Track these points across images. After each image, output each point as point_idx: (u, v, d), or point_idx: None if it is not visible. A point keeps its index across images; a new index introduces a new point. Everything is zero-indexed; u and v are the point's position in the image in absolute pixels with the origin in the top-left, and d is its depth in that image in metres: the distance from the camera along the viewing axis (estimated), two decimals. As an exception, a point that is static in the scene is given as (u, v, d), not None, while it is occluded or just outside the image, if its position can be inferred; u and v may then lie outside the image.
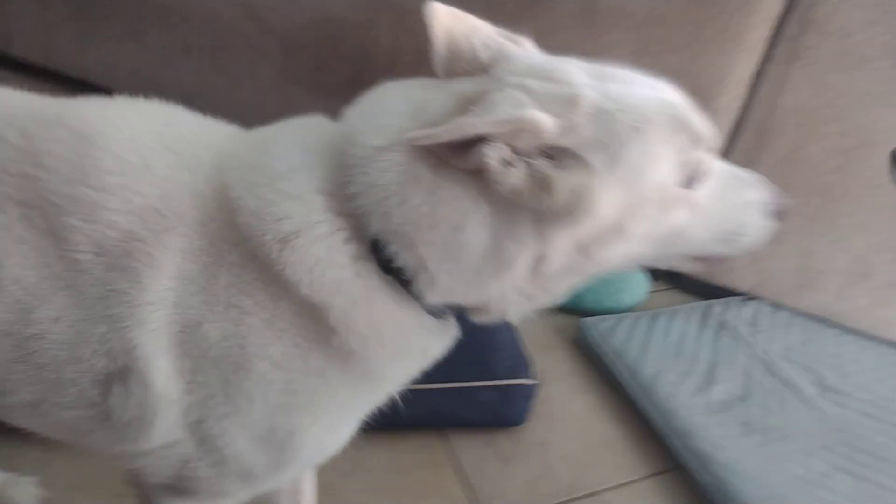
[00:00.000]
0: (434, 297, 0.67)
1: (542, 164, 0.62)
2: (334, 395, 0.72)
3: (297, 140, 0.71)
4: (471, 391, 1.41)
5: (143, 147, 0.69)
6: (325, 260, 0.64)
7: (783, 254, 1.82)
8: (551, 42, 1.81)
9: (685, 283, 1.99)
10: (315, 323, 0.66)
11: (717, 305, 1.87)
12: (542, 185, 0.61)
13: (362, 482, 1.30)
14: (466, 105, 0.63)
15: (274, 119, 0.77)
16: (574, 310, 1.81)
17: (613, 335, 1.69)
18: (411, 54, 1.79)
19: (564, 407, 1.56)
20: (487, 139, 0.59)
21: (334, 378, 0.71)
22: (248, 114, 0.88)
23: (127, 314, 0.65)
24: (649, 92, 0.68)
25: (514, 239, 0.64)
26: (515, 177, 0.61)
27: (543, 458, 1.43)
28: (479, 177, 0.61)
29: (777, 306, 1.89)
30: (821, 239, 1.76)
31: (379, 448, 1.36)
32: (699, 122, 0.70)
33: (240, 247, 0.66)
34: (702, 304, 1.87)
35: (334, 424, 0.76)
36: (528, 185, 0.61)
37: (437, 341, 0.76)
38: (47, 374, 0.68)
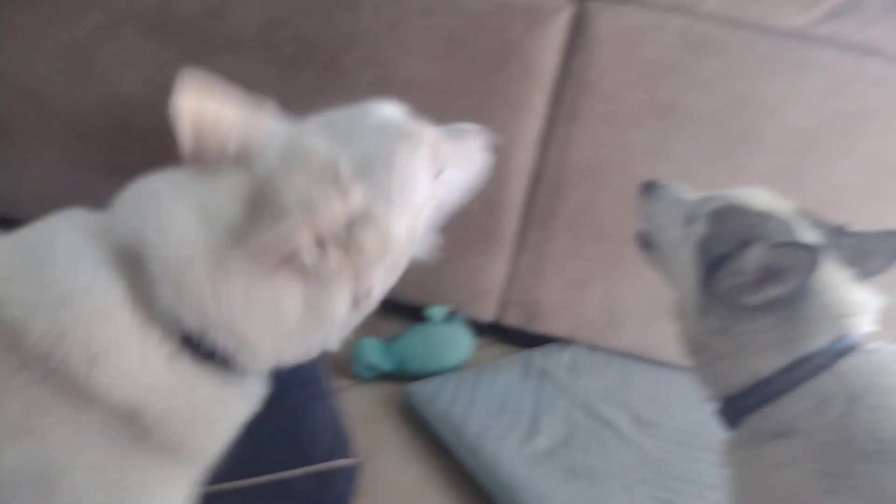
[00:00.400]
0: (258, 366, 0.74)
1: (347, 235, 0.71)
2: (166, 481, 0.73)
3: (76, 247, 0.68)
4: (286, 483, 1.32)
5: None
6: (138, 369, 0.65)
7: (591, 298, 1.92)
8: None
9: (508, 336, 2.04)
10: (129, 425, 0.66)
11: (537, 354, 1.93)
12: (357, 250, 0.72)
13: None
14: (255, 207, 0.68)
15: (66, 206, 0.75)
16: (401, 376, 1.77)
17: (438, 398, 1.67)
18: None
19: (392, 481, 1.51)
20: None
21: (163, 466, 0.72)
22: (37, 203, 0.84)
23: None
24: (375, 126, 0.82)
25: (332, 297, 0.73)
26: (333, 260, 0.70)
27: (370, 541, 1.36)
28: (288, 263, 0.68)
29: (593, 348, 1.98)
30: (621, 281, 1.88)
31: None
32: (424, 129, 0.86)
33: (28, 369, 0.62)
34: (523, 354, 1.92)
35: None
36: (344, 259, 0.71)
37: (252, 402, 0.82)
38: None
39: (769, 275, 0.87)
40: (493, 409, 1.68)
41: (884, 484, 0.74)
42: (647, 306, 1.92)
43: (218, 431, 0.77)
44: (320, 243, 0.68)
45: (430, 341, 1.79)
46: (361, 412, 1.66)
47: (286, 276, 0.69)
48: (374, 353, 1.74)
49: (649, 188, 1.21)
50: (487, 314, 1.98)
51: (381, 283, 0.79)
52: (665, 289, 1.89)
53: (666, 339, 1.98)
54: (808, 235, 0.92)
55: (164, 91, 1.80)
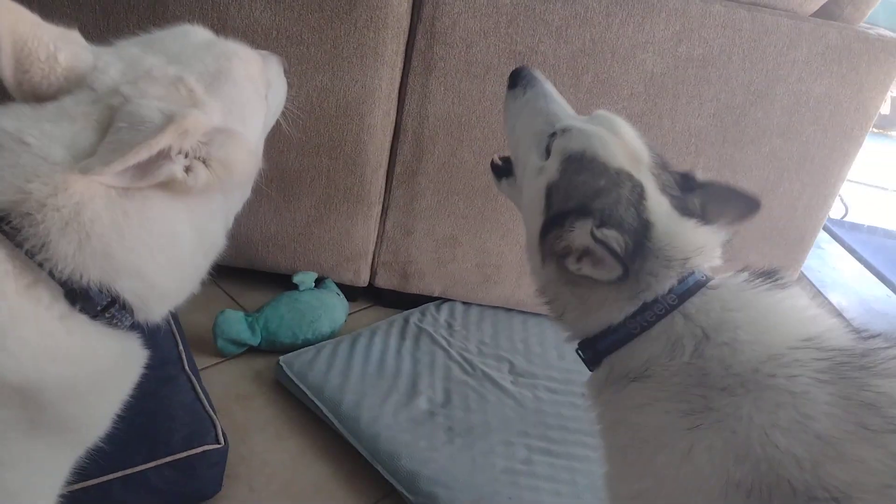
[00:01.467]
0: (163, 310, 0.76)
1: (210, 149, 0.70)
2: (46, 470, 0.70)
3: None
4: (140, 477, 1.20)
5: None
6: (35, 341, 0.61)
7: (463, 255, 1.90)
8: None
9: (383, 299, 1.99)
10: (17, 408, 0.61)
11: (413, 314, 1.89)
12: (223, 165, 0.71)
13: None
14: (112, 128, 0.64)
15: None
16: (271, 349, 1.68)
17: (312, 369, 1.60)
18: None
19: (266, 460, 1.42)
20: (163, 154, 0.65)
21: (48, 454, 0.68)
22: None
23: None
24: (201, 45, 0.81)
25: (213, 216, 0.77)
26: (202, 175, 0.70)
27: (244, 527, 1.28)
28: (163, 188, 0.67)
29: (468, 304, 1.98)
30: (491, 236, 1.88)
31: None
32: (246, 48, 0.87)
33: None
34: (400, 316, 1.88)
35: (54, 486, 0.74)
36: (211, 175, 0.71)
37: (141, 365, 0.81)
38: None
39: (586, 256, 0.86)
40: (370, 374, 1.63)
41: (744, 414, 0.75)
42: (518, 259, 1.93)
43: (113, 401, 0.76)
44: (192, 163, 0.69)
45: (299, 309, 1.70)
46: (229, 391, 1.56)
47: (165, 200, 0.69)
48: (238, 327, 1.62)
49: (519, 78, 1.09)
50: (360, 278, 1.91)
51: (238, 199, 0.85)
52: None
53: (534, 293, 2.03)
54: (657, 200, 0.89)
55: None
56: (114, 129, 0.64)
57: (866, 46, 1.67)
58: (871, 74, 1.70)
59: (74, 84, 0.69)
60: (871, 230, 3.38)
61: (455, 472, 1.39)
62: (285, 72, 1.01)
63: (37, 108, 0.66)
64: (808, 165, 1.82)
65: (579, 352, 0.96)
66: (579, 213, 0.87)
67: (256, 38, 1.51)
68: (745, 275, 0.89)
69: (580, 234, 0.85)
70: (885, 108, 3.99)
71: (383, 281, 1.94)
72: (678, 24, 1.64)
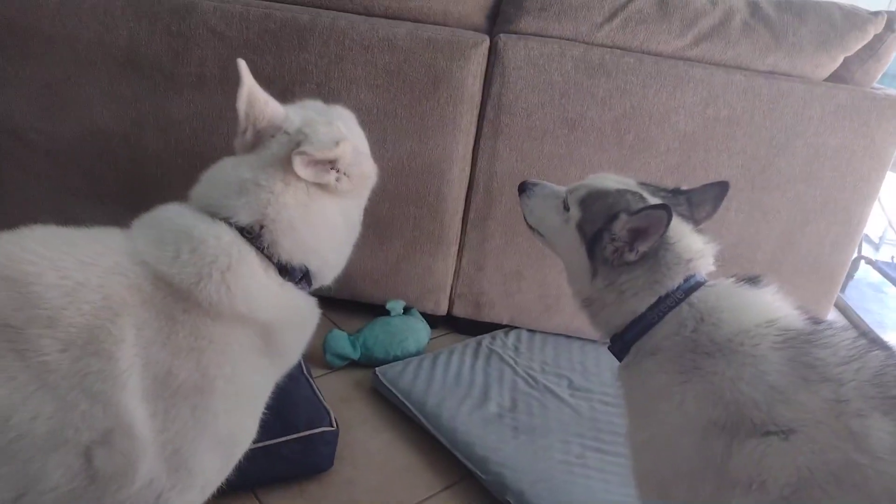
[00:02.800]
0: (331, 276, 1.12)
1: (352, 166, 1.07)
2: (263, 384, 1.02)
3: (184, 219, 0.96)
4: (275, 448, 1.56)
5: (68, 270, 0.84)
6: (258, 288, 0.94)
7: (527, 288, 2.23)
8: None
9: (460, 326, 2.33)
10: (259, 337, 0.94)
11: (485, 339, 2.22)
12: (359, 174, 1.10)
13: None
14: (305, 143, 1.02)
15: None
16: (368, 363, 2.04)
17: (401, 378, 1.95)
18: (180, 157, 1.99)
19: (366, 447, 1.77)
20: (330, 164, 1.02)
21: (267, 370, 1.00)
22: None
23: (107, 387, 0.80)
24: (335, 112, 1.20)
25: (352, 209, 1.13)
26: (345, 182, 1.06)
27: (350, 494, 1.61)
28: (324, 191, 1.03)
29: (532, 331, 2.29)
30: (551, 271, 2.20)
31: (194, 518, 1.45)
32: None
33: (185, 306, 0.88)
34: (473, 340, 2.21)
35: (257, 410, 1.05)
36: (350, 182, 1.07)
37: (316, 319, 1.12)
38: (31, 467, 0.78)
39: (637, 235, 1.13)
40: (448, 384, 1.96)
41: (719, 370, 1.04)
42: (575, 291, 2.23)
43: (305, 337, 1.09)
44: (338, 170, 1.03)
45: (391, 331, 2.07)
46: (336, 395, 1.92)
47: (324, 197, 1.02)
48: (343, 344, 2.01)
49: (524, 188, 1.42)
50: (440, 308, 2.27)
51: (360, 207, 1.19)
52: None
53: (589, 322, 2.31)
54: (654, 200, 1.22)
55: (136, 124, 2.06)
56: (307, 142, 1.01)
57: (874, 104, 1.94)
58: (881, 127, 1.96)
59: (268, 134, 1.05)
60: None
61: (519, 460, 1.69)
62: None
63: (254, 156, 1.03)
64: (831, 206, 2.06)
65: (611, 348, 1.27)
66: (609, 220, 1.16)
67: (361, 114, 1.92)
68: (734, 278, 1.19)
69: (623, 220, 1.13)
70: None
71: (460, 310, 2.29)
72: (705, 91, 1.96)
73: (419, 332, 2.14)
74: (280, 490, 1.58)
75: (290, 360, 1.08)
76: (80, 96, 1.99)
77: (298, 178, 0.98)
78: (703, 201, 1.28)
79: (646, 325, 1.16)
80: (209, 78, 1.94)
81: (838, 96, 1.94)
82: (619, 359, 1.25)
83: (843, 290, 3.26)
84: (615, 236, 1.15)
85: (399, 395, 1.89)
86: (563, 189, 1.35)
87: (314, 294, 1.12)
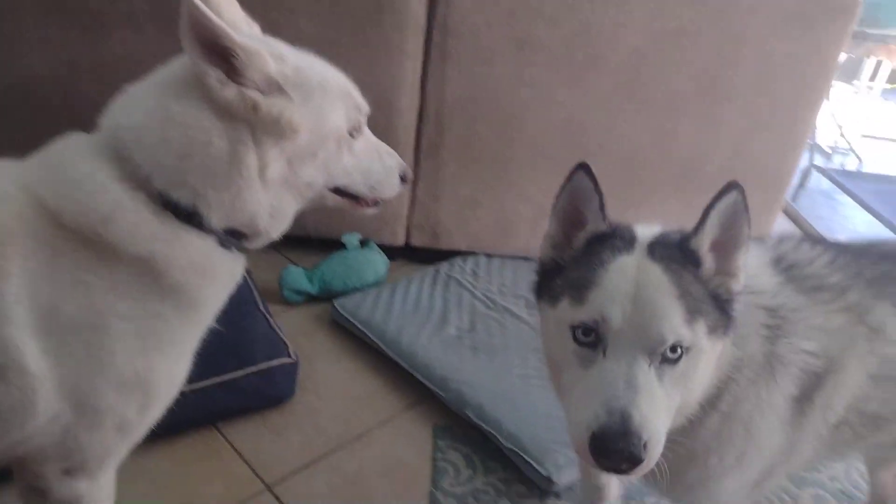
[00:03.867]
0: (216, 219, 0.90)
1: (253, 92, 0.88)
2: (173, 330, 0.92)
3: (77, 153, 0.89)
4: (233, 382, 1.58)
5: None
6: (137, 223, 0.85)
7: (483, 214, 2.24)
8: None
9: (418, 256, 2.34)
10: (147, 275, 0.86)
11: (444, 266, 2.24)
12: (252, 105, 0.88)
13: (145, 486, 1.41)
14: None
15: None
16: (327, 297, 2.05)
17: (361, 309, 1.96)
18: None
19: (327, 377, 1.80)
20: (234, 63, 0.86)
21: (171, 315, 0.90)
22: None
23: None
24: (332, 71, 1.04)
25: (243, 143, 0.89)
26: (229, 93, 0.87)
27: (313, 421, 1.65)
28: (208, 103, 0.87)
29: (490, 256, 2.31)
30: (506, 196, 2.21)
31: (157, 453, 1.47)
32: (359, 96, 1.06)
33: (71, 240, 0.83)
34: (432, 268, 2.23)
35: (177, 357, 0.96)
36: (239, 102, 0.87)
37: (236, 265, 0.99)
38: None
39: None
40: (407, 312, 1.98)
41: (793, 345, 0.95)
42: (530, 215, 2.25)
43: (208, 282, 0.92)
44: (224, 81, 0.86)
45: (348, 264, 2.07)
46: (297, 329, 1.94)
47: (208, 115, 0.86)
48: (299, 279, 2.01)
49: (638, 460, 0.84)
50: (397, 239, 2.27)
51: (278, 168, 0.92)
52: (544, 198, 2.23)
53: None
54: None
55: (69, 68, 1.97)
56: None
57: (820, 7, 1.93)
58: (827, 31, 1.96)
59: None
60: (881, 179, 3.56)
61: (478, 377, 1.73)
62: (403, 178, 1.13)
63: (156, 78, 0.93)
64: (779, 115, 2.08)
65: None
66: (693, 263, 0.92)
67: (302, 45, 1.87)
68: None
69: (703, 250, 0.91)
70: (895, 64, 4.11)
71: (417, 240, 2.29)
72: (652, 3, 1.94)
73: (377, 263, 2.14)
74: (242, 423, 1.60)
75: (205, 309, 0.97)
76: (5, 43, 1.90)
77: (196, 100, 0.87)
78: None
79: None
80: (140, 16, 1.86)
81: (784, 2, 1.93)
82: None
83: (795, 198, 3.34)
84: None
85: (359, 325, 1.91)
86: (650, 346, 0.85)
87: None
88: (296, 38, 1.90)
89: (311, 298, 2.06)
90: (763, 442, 0.98)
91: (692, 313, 0.83)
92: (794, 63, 2.00)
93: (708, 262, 0.88)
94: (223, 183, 0.89)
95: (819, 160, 3.82)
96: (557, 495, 1.50)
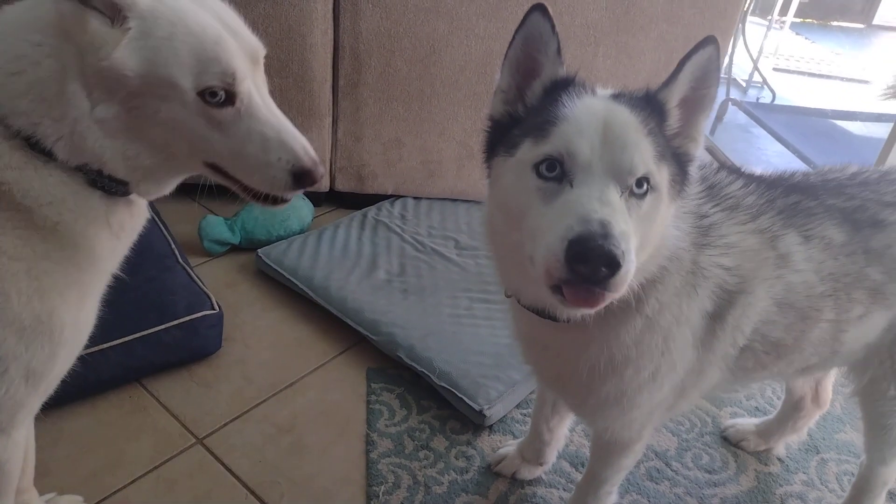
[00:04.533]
0: (62, 153, 0.81)
1: (91, 12, 0.77)
2: (66, 273, 0.86)
3: None
4: (154, 336, 1.52)
5: None
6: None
7: (408, 155, 2.20)
8: None
9: (344, 201, 2.29)
10: (19, 210, 0.80)
11: (371, 210, 2.20)
12: (81, 23, 0.77)
13: (67, 448, 1.35)
14: None
15: None
16: (250, 247, 1.99)
17: (286, 256, 1.91)
18: None
19: (255, 327, 1.75)
20: None
21: (59, 257, 0.84)
22: None
23: None
24: (205, 16, 0.84)
25: (69, 68, 0.79)
26: (67, 5, 0.76)
27: (242, 372, 1.61)
28: (47, 17, 0.78)
29: (417, 199, 2.29)
30: (430, 136, 2.17)
31: (79, 414, 1.41)
32: (233, 58, 0.84)
33: None
34: (359, 213, 2.19)
35: (79, 301, 0.89)
36: (72, 17, 0.77)
37: (129, 212, 0.90)
38: None
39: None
40: (335, 257, 1.95)
41: (711, 257, 0.97)
42: (455, 155, 2.23)
43: (96, 229, 0.86)
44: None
45: (271, 212, 2.00)
46: (220, 280, 1.87)
47: (44, 26, 0.78)
48: (220, 228, 1.93)
49: (607, 273, 0.78)
50: (321, 184, 2.20)
51: (109, 104, 0.81)
52: (468, 137, 2.21)
53: (475, 180, 2.33)
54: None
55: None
56: None
57: (730, -65, 1.94)
58: (737, -40, 1.98)
59: None
60: (792, 110, 3.70)
61: (409, 318, 1.73)
62: (300, 177, 0.91)
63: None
64: (692, 44, 2.10)
65: None
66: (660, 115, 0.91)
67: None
68: None
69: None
70: (804, -2, 4.24)
71: (342, 185, 2.24)
72: (565, -72, 1.90)
73: (301, 209, 2.08)
74: (168, 377, 1.55)
75: (96, 254, 0.89)
76: None
77: (35, 12, 0.79)
78: None
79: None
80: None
81: (696, -72, 1.93)
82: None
83: (712, 132, 3.44)
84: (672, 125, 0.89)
85: (285, 273, 1.87)
86: (610, 183, 0.81)
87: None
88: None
89: (234, 248, 2.00)
90: (677, 357, 1.00)
91: (659, 154, 0.83)
92: (706, -9, 2.02)
93: (673, 117, 0.87)
94: (56, 112, 0.80)
95: (735, 94, 3.93)
96: (490, 429, 1.53)
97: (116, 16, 0.78)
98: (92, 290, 0.93)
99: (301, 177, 0.91)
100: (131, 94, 0.81)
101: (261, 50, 0.91)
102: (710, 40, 0.84)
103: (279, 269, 1.88)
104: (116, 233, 0.91)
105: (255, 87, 0.89)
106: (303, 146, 0.92)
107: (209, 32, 0.83)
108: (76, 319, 0.90)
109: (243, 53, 0.86)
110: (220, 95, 0.83)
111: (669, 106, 0.87)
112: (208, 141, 0.87)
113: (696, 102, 0.88)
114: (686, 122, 0.89)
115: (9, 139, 0.79)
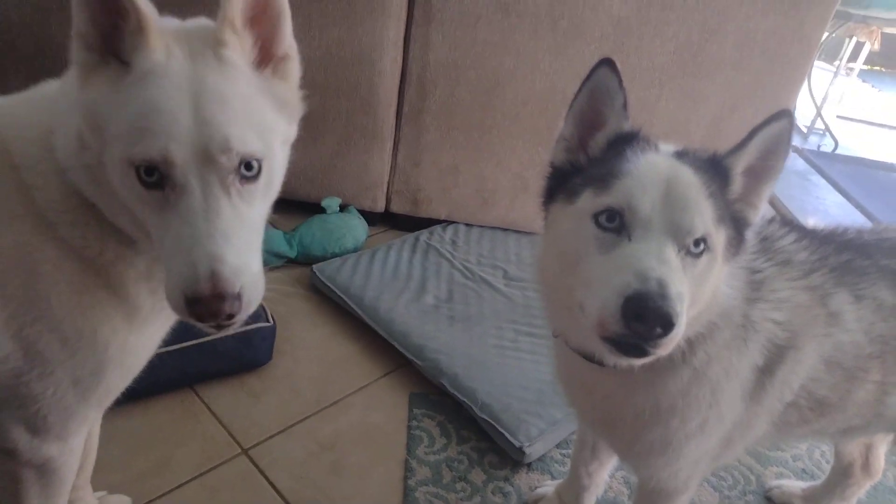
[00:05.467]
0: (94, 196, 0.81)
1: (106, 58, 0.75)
2: (109, 298, 0.86)
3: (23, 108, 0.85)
4: (210, 345, 1.57)
5: None
6: (53, 202, 0.81)
7: (464, 182, 2.23)
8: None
9: (398, 223, 2.33)
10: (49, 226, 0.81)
11: (423, 234, 2.23)
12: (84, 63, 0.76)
13: (119, 447, 1.40)
14: None
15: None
16: (305, 261, 2.04)
17: (339, 274, 1.95)
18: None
19: (305, 341, 1.79)
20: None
21: (93, 284, 0.84)
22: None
23: None
24: (163, 94, 0.76)
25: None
26: (81, 55, 0.75)
27: (290, 386, 1.65)
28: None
29: (469, 225, 2.31)
30: (487, 165, 2.19)
31: (133, 415, 1.47)
32: (157, 144, 0.73)
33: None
34: (411, 236, 2.22)
35: (127, 325, 0.88)
36: (85, 62, 0.75)
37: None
38: None
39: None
40: (386, 279, 1.98)
41: (764, 312, 0.97)
42: (510, 186, 2.25)
43: (135, 282, 0.86)
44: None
45: (328, 229, 2.06)
46: (274, 293, 1.91)
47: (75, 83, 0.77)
48: (278, 242, 1.99)
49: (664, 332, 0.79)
50: (377, 205, 2.25)
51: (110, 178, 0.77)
52: (524, 170, 2.23)
53: (528, 213, 2.34)
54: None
55: (38, 10, 1.89)
56: None
57: (805, -13, 1.93)
58: (810, 10, 1.96)
59: None
60: (854, 161, 3.61)
61: (454, 346, 1.74)
62: (192, 301, 0.74)
63: None
64: (759, 93, 2.09)
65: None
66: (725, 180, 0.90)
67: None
68: None
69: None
70: (875, 45, 4.16)
71: (397, 207, 2.28)
72: (639, -27, 1.91)
73: (356, 229, 2.13)
74: (220, 386, 1.60)
75: (133, 303, 0.87)
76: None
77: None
78: None
79: None
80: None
81: (771, -22, 1.92)
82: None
83: (770, 178, 3.37)
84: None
85: (337, 291, 1.90)
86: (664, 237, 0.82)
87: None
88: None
89: (289, 262, 2.05)
90: (725, 410, 1.00)
91: (718, 216, 0.83)
92: (776, 41, 2.00)
93: (737, 183, 0.87)
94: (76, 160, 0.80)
95: (796, 140, 3.86)
96: (529, 466, 1.53)
97: (131, 55, 0.74)
98: (146, 319, 0.91)
99: (193, 302, 0.73)
100: (84, 133, 0.77)
101: (222, 149, 0.73)
102: (784, 114, 0.85)
103: (332, 286, 1.92)
104: (155, 289, 0.88)
105: (198, 184, 0.73)
106: (211, 269, 0.72)
107: (152, 108, 0.73)
108: (124, 342, 0.88)
109: (190, 144, 0.72)
110: (154, 175, 0.73)
111: (735, 172, 0.88)
112: (141, 214, 0.78)
113: (762, 172, 0.89)
114: (749, 189, 0.89)
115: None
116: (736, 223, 0.88)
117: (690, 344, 0.93)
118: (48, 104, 0.84)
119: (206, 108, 0.73)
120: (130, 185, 0.74)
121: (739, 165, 0.87)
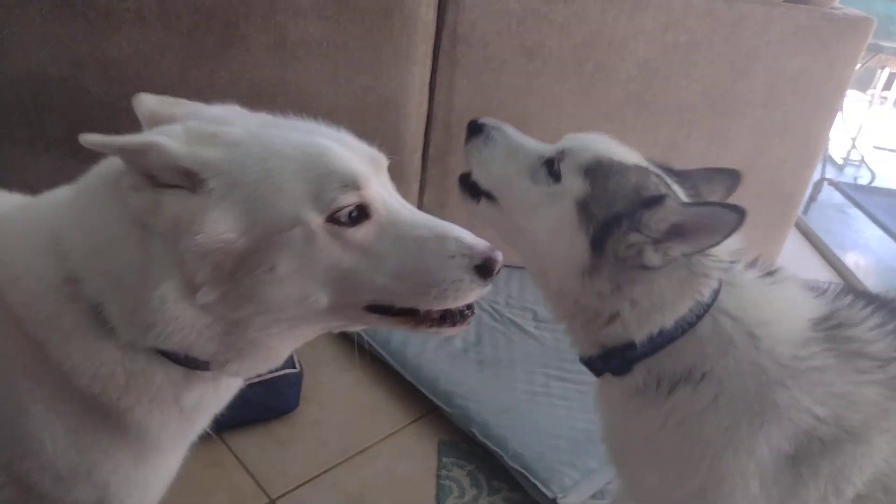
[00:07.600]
0: (138, 337, 0.70)
1: (163, 190, 0.67)
2: (111, 438, 0.76)
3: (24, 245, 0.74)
4: (238, 392, 1.57)
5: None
6: (35, 300, 0.71)
7: (489, 225, 2.22)
8: (253, 75, 2.02)
9: (425, 265, 2.32)
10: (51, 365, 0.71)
11: (450, 276, 2.22)
12: (154, 205, 0.67)
13: (148, 497, 1.40)
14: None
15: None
16: (332, 306, 2.04)
17: (366, 318, 1.95)
18: (124, 100, 1.89)
19: (332, 387, 1.78)
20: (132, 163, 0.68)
21: (100, 422, 0.75)
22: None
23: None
24: (297, 135, 0.73)
25: (154, 257, 0.68)
26: (139, 199, 0.67)
27: (317, 434, 1.63)
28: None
29: (497, 266, 2.29)
30: (514, 205, 2.18)
31: (161, 464, 1.46)
32: (351, 166, 0.72)
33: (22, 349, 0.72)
34: (438, 278, 2.21)
35: (133, 461, 0.79)
36: (145, 207, 0.67)
37: (205, 388, 0.80)
38: None
39: (676, 234, 0.85)
40: (413, 322, 1.97)
41: (796, 401, 0.86)
42: (539, 225, 2.23)
43: (150, 408, 0.75)
44: (138, 185, 0.67)
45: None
46: (300, 338, 1.92)
47: (124, 220, 0.69)
48: (305, 287, 2.00)
49: (476, 130, 1.06)
50: (404, 247, 2.25)
51: (210, 285, 0.68)
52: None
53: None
54: (676, 187, 0.94)
55: (75, 65, 1.95)
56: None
57: (833, 25, 1.91)
58: (840, 49, 1.93)
59: None
60: (893, 194, 3.52)
61: (483, 392, 1.72)
62: (484, 269, 0.78)
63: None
64: (790, 131, 2.06)
65: (595, 364, 0.99)
66: (640, 205, 0.87)
67: (311, 49, 1.86)
68: (754, 270, 0.95)
69: (662, 214, 0.85)
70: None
71: (424, 248, 2.27)
72: (664, 16, 1.92)
73: (383, 271, 2.13)
74: (247, 433, 1.59)
75: (150, 433, 0.78)
76: (12, 39, 1.88)
77: (115, 209, 0.70)
78: (707, 183, 1.02)
79: (664, 340, 0.90)
80: (148, 13, 1.84)
81: (797, 18, 1.91)
82: (617, 374, 0.96)
83: (805, 211, 3.31)
84: (646, 228, 0.86)
85: (364, 335, 1.90)
86: (545, 147, 1.01)
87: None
88: (304, 42, 1.88)
89: (316, 307, 2.05)
90: (738, 491, 0.89)
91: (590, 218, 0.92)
92: (806, 79, 1.98)
93: (657, 219, 0.85)
94: (138, 301, 0.69)
95: (831, 172, 3.79)
96: (563, 516, 1.48)
97: (194, 183, 0.67)
98: (163, 451, 0.83)
99: (485, 267, 0.76)
100: (240, 260, 0.68)
101: (381, 158, 0.83)
102: (738, 210, 0.80)
103: (358, 333, 1.91)
104: (189, 415, 0.81)
105: (386, 191, 0.77)
106: (467, 233, 0.78)
107: (309, 149, 0.71)
108: (128, 477, 0.79)
109: (360, 159, 0.76)
110: (352, 212, 0.70)
111: (665, 211, 0.86)
112: (355, 274, 0.72)
113: (685, 233, 0.85)
114: (666, 236, 0.87)
115: (69, 303, 0.71)
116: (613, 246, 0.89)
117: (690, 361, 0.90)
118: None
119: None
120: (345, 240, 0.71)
121: (675, 214, 0.85)
